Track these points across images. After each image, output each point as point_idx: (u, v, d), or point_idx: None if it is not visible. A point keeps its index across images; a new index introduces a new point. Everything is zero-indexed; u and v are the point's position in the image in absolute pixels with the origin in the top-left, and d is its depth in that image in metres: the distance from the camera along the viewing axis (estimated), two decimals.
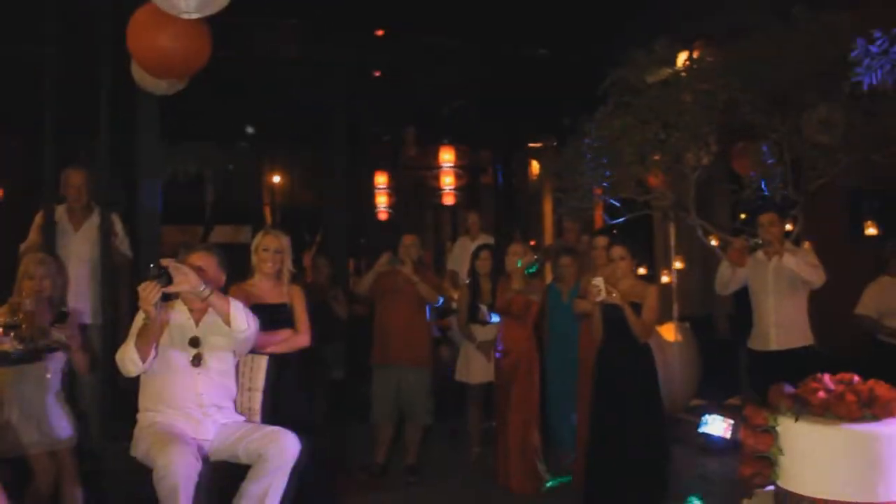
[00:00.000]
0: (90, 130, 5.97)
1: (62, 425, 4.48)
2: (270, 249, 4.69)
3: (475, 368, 6.33)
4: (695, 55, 6.15)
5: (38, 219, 5.94)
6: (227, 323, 3.91)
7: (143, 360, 3.85)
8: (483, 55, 8.78)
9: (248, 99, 9.07)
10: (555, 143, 10.05)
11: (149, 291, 3.72)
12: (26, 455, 4.35)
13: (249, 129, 11.05)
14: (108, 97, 5.81)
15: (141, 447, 3.82)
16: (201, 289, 3.83)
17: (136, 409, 4.03)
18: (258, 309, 4.19)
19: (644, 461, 4.91)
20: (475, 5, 7.54)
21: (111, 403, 5.58)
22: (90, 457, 4.94)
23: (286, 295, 4.71)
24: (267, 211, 12.59)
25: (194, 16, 4.13)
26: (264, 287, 4.71)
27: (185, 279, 3.78)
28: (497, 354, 5.93)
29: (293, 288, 4.76)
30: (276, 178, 12.92)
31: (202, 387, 3.98)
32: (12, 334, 4.38)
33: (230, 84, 7.96)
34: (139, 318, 3.91)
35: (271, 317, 4.49)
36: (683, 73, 5.93)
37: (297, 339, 4.64)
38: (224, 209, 12.20)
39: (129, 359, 3.86)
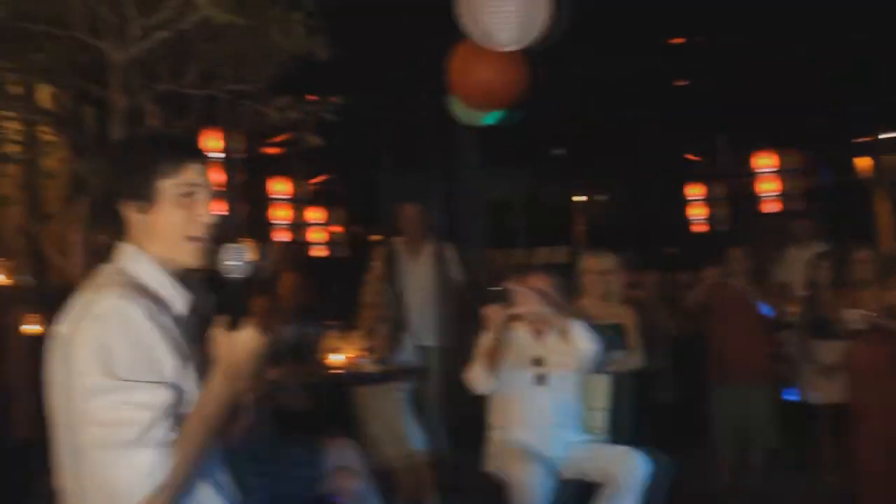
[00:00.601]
0: (421, 167, 6.42)
1: (418, 440, 4.86)
2: (597, 271, 4.72)
3: (821, 387, 5.85)
4: None
5: (380, 251, 6.49)
6: (569, 342, 3.99)
7: (490, 379, 4.05)
8: (796, 48, 8.25)
9: (553, 120, 9.24)
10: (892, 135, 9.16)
11: (495, 313, 3.93)
12: (390, 468, 4.75)
13: (557, 151, 11.27)
14: (432, 135, 6.22)
15: (495, 463, 4.00)
16: (543, 309, 3.95)
17: (486, 426, 4.21)
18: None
19: None
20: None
21: (461, 420, 5.90)
22: (446, 470, 5.26)
23: (617, 315, 4.71)
24: (580, 231, 12.70)
25: (512, 47, 4.29)
26: (594, 307, 4.73)
27: (527, 301, 3.94)
28: (848, 374, 5.42)
29: (624, 308, 4.75)
30: (586, 197, 13.02)
31: (547, 405, 4.07)
32: (370, 356, 4.86)
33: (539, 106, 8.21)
34: (485, 339, 4.11)
35: (602, 337, 4.51)
36: None
37: (630, 359, 4.62)
38: (536, 231, 12.51)
39: (477, 378, 4.08)
